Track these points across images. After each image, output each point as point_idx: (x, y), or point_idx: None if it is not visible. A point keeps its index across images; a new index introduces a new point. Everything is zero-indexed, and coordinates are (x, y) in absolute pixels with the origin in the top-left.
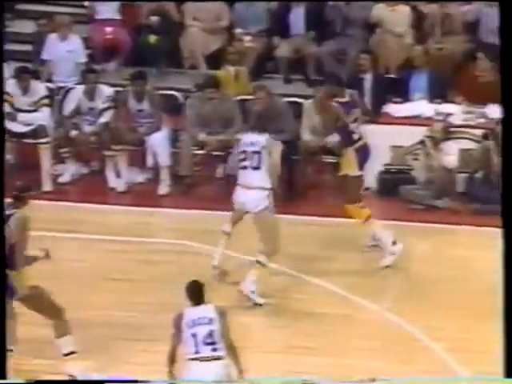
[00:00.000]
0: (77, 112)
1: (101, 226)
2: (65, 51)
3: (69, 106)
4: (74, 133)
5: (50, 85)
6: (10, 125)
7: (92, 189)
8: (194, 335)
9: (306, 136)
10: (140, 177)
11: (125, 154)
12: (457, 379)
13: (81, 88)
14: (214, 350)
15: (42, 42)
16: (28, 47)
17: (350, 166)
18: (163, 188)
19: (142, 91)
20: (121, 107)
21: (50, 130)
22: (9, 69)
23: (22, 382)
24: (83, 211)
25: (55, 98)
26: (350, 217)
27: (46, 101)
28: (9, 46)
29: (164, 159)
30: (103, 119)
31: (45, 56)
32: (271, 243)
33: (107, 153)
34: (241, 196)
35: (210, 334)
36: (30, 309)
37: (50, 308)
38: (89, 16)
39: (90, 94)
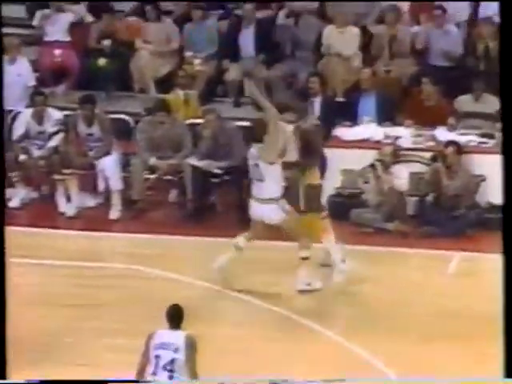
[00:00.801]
0: (25, 136)
1: (51, 251)
2: (13, 74)
3: (17, 130)
4: (22, 157)
5: None
6: None
7: (42, 213)
8: (157, 357)
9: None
10: (91, 201)
11: (75, 179)
12: (457, 380)
13: (29, 112)
14: (171, 377)
15: None
16: None
17: (312, 175)
18: (114, 212)
19: (92, 115)
20: (70, 131)
21: None
22: None
23: (23, 382)
24: (34, 236)
25: (3, 121)
26: (308, 227)
27: None
28: None
29: (115, 183)
30: (52, 143)
31: None
32: (302, 239)
33: (57, 177)
34: (256, 209)
35: (172, 361)
36: None
37: None
38: (37, 38)
39: (39, 118)
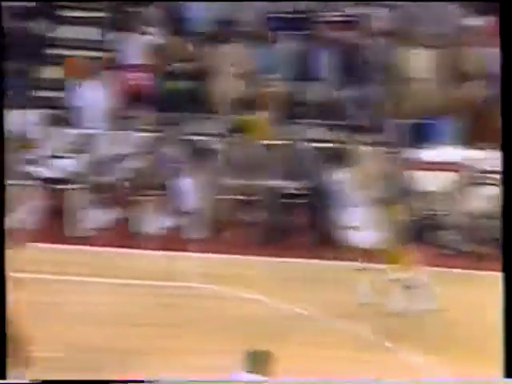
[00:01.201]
0: (106, 158)
1: (128, 271)
2: (93, 97)
3: (98, 153)
4: (103, 179)
5: (79, 131)
6: (39, 170)
7: (120, 234)
8: None
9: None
10: (168, 221)
11: (153, 199)
12: (457, 380)
13: (110, 134)
14: None
15: (71, 87)
16: (56, 94)
17: (397, 210)
18: (190, 233)
19: (170, 137)
20: (149, 153)
21: (80, 176)
22: (38, 116)
23: (23, 382)
24: (112, 256)
25: (84, 144)
26: (396, 252)
27: (75, 147)
28: (37, 93)
29: (191, 204)
30: (132, 165)
31: (73, 102)
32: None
33: (137, 198)
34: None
35: None
36: None
37: None
38: (116, 61)
39: (119, 140)
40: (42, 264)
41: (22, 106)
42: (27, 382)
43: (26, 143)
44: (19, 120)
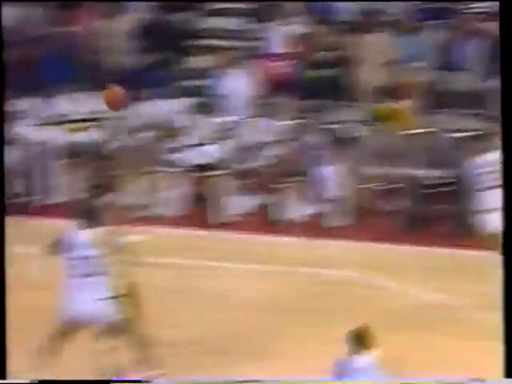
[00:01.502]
0: (249, 145)
1: (270, 257)
2: (238, 86)
3: (242, 140)
4: (246, 165)
5: (224, 118)
6: (185, 158)
7: (262, 220)
8: None
9: None
10: (310, 209)
11: (295, 187)
12: (457, 380)
13: (252, 122)
14: None
15: (216, 77)
16: (201, 82)
17: None
18: (332, 220)
19: (312, 124)
20: (291, 140)
21: (224, 163)
22: (184, 103)
23: (23, 382)
24: (255, 242)
25: (229, 131)
26: None
27: (220, 134)
28: (183, 82)
29: (333, 192)
30: (274, 152)
31: (219, 90)
32: None
33: (279, 185)
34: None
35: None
36: None
37: None
38: (261, 50)
39: (261, 128)
40: (186, 250)
41: (169, 96)
42: (27, 381)
43: (172, 131)
44: (166, 109)
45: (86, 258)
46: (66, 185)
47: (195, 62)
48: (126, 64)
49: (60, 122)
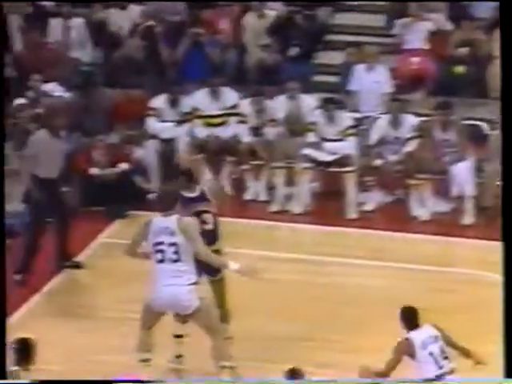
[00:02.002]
0: (381, 141)
1: (404, 254)
2: (371, 81)
3: (374, 136)
4: (378, 162)
5: (356, 114)
6: (315, 153)
7: (395, 217)
8: (431, 354)
9: None
10: (444, 206)
11: (429, 183)
12: (457, 380)
13: (386, 118)
14: (449, 361)
15: (349, 72)
16: (335, 78)
17: None
18: (467, 218)
19: (448, 121)
20: (425, 137)
21: (355, 159)
22: (316, 99)
23: (23, 382)
24: (386, 239)
25: (360, 127)
26: None
27: (351, 130)
28: (316, 78)
29: (468, 189)
30: (408, 148)
31: (351, 86)
32: None
33: (411, 181)
34: None
35: (443, 350)
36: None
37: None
38: (396, 46)
39: (395, 124)
40: (319, 246)
41: (303, 91)
42: (27, 381)
43: (305, 127)
44: (300, 104)
45: (173, 244)
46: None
47: (329, 57)
48: (261, 60)
49: (197, 116)
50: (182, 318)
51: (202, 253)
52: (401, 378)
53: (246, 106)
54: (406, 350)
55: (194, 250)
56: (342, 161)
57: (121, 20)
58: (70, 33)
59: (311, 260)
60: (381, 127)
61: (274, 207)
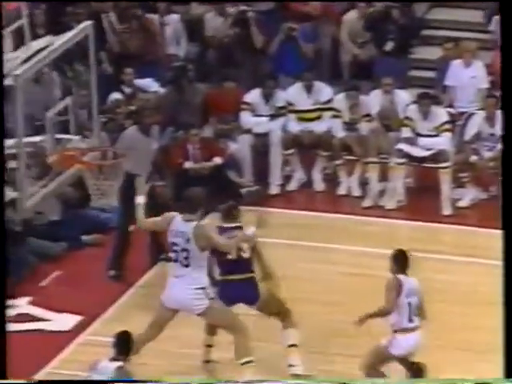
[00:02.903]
0: (477, 137)
1: (495, 252)
2: (468, 77)
3: (469, 132)
4: (473, 158)
5: (452, 110)
6: (410, 149)
7: (490, 214)
8: (409, 304)
9: None
10: None
11: None
12: (458, 380)
13: (482, 114)
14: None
15: (446, 68)
16: (431, 73)
17: None
18: None
19: None
20: None
21: (451, 155)
22: (411, 94)
23: (23, 382)
24: (481, 236)
25: (456, 123)
26: None
27: (447, 126)
28: (412, 73)
29: None
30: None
31: (447, 82)
32: None
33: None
34: None
35: (418, 306)
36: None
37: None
38: (493, 42)
39: (491, 120)
40: (412, 241)
41: (399, 86)
42: (27, 381)
43: (400, 122)
44: (395, 99)
45: (185, 250)
46: (295, 174)
47: (426, 52)
48: (356, 55)
49: (291, 111)
50: (211, 330)
51: (220, 245)
52: (402, 378)
53: (340, 100)
54: (396, 286)
55: (215, 246)
56: (437, 156)
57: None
58: (165, 29)
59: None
60: (476, 123)
61: (367, 202)
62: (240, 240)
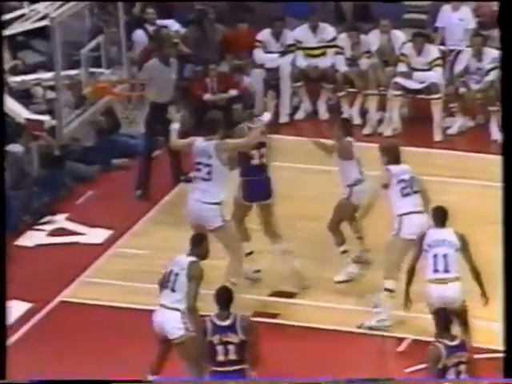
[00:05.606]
0: (465, 72)
1: (484, 173)
2: (456, 19)
3: (458, 67)
4: (462, 90)
5: (442, 47)
6: (405, 82)
7: (477, 140)
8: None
9: None
10: None
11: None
12: (457, 380)
13: (469, 51)
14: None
15: (437, 11)
16: (424, 16)
17: None
18: None
19: None
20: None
21: (441, 87)
22: (407, 34)
23: (23, 382)
24: (468, 160)
25: (446, 59)
26: None
27: (438, 61)
28: (408, 15)
29: None
30: (489, 78)
31: (438, 23)
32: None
33: (492, 108)
34: None
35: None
36: None
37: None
38: None
39: (478, 56)
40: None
41: (396, 27)
42: (27, 381)
43: (396, 58)
44: (392, 38)
45: (208, 165)
46: (302, 104)
47: None
48: None
49: (299, 48)
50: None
51: (243, 144)
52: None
53: (343, 39)
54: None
55: (239, 149)
56: (430, 89)
57: None
58: None
59: None
60: (465, 59)
61: (367, 130)
62: (258, 131)
